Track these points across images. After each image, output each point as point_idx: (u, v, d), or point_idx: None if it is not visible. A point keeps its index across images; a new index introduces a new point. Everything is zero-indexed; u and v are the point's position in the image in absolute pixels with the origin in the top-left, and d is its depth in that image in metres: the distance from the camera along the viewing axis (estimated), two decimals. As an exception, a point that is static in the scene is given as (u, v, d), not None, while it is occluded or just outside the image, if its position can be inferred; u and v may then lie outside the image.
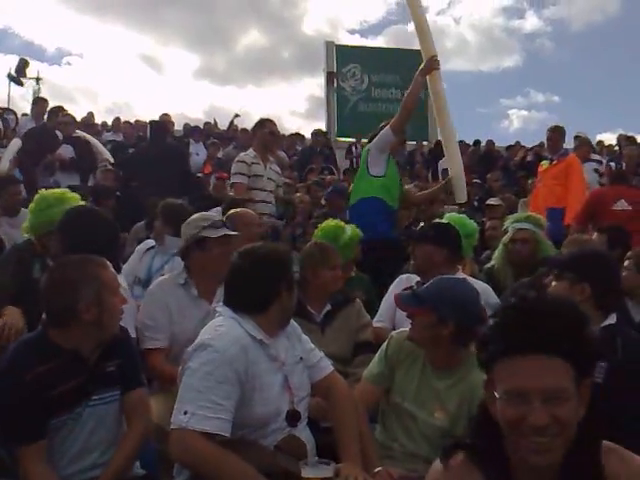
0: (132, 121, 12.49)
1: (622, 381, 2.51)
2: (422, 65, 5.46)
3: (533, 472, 1.44)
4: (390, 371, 2.72)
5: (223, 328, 2.38)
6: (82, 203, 3.78)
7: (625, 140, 10.85)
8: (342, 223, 4.39)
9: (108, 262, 2.48)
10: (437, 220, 4.38)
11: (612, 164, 8.56)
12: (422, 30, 5.62)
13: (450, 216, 4.55)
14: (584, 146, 8.42)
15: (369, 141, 5.51)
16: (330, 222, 4.36)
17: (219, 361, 2.26)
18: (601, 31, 46.25)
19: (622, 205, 5.79)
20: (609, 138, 18.73)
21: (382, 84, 17.30)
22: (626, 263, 3.91)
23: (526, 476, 1.46)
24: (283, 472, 2.24)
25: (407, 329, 2.69)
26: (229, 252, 2.94)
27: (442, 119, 5.72)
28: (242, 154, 6.39)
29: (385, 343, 2.80)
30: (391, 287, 3.81)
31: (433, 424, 2.58)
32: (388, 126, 5.32)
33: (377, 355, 2.81)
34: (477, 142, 14.17)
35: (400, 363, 2.69)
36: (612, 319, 2.69)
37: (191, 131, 12.66)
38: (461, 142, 13.49)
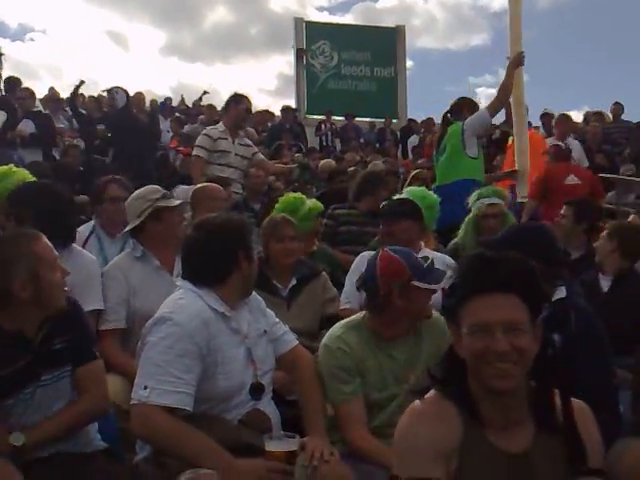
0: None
1: (576, 353, 2.53)
2: (511, 59, 5.70)
3: (497, 403, 1.65)
4: (361, 377, 2.54)
5: (183, 301, 2.33)
6: (31, 179, 3.71)
7: (593, 116, 10.90)
8: (302, 196, 4.35)
9: (43, 235, 2.34)
10: (397, 196, 4.27)
11: (576, 141, 8.63)
12: (516, 27, 5.87)
13: (410, 190, 4.49)
14: (563, 122, 8.37)
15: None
16: (290, 195, 4.32)
17: (179, 334, 2.21)
18: (567, 9, 46.55)
19: (573, 180, 6.22)
20: (575, 116, 18.89)
21: (352, 61, 17.20)
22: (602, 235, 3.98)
23: (490, 408, 1.66)
24: (247, 446, 2.21)
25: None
26: (183, 222, 2.90)
27: (519, 114, 5.87)
28: (209, 127, 6.28)
29: (329, 360, 2.54)
30: (353, 265, 3.75)
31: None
32: (485, 108, 5.53)
33: (332, 377, 2.51)
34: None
35: (362, 363, 2.53)
36: (562, 292, 2.70)
37: (161, 107, 12.46)
38: (429, 119, 13.49)
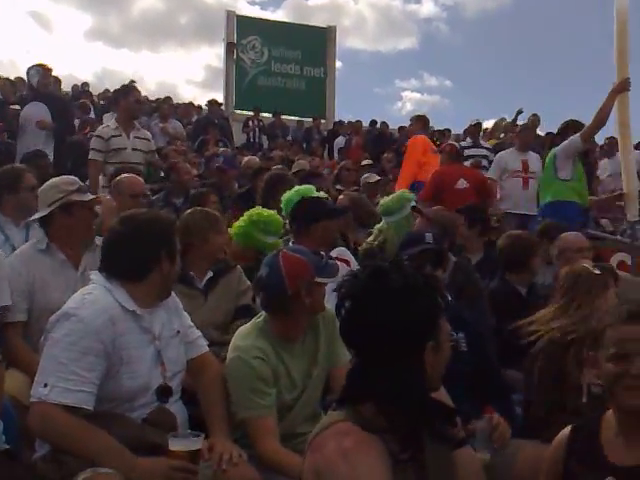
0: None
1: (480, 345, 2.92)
2: (616, 84, 5.88)
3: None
4: (275, 384, 2.50)
5: (91, 296, 2.27)
6: None
7: (509, 127, 11.31)
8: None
9: None
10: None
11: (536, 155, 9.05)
12: (622, 52, 5.98)
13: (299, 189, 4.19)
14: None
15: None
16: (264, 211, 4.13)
17: (84, 331, 2.16)
18: (493, 18, 47.97)
19: (462, 184, 6.40)
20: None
21: (283, 59, 17.15)
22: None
23: None
24: (151, 445, 2.18)
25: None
26: (93, 217, 2.92)
27: (625, 135, 6.02)
28: (100, 127, 6.18)
29: (245, 372, 2.46)
30: None
31: (318, 383, 2.63)
32: (578, 135, 5.83)
33: (249, 390, 2.44)
34: (373, 122, 14.40)
35: (275, 368, 2.51)
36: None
37: (80, 93, 12.07)
38: (357, 122, 13.68)
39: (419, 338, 1.61)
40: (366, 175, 7.63)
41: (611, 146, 10.57)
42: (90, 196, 3.22)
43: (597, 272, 2.93)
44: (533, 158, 7.31)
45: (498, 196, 7.09)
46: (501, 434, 2.44)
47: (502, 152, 7.56)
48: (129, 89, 6.03)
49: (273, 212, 4.06)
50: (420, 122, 8.45)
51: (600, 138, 11.32)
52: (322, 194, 3.77)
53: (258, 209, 4.15)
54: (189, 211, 3.68)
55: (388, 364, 1.59)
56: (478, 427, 2.40)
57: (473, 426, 2.39)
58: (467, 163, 9.09)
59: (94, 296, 2.27)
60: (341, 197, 5.52)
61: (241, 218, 4.11)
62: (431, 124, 14.55)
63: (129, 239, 2.38)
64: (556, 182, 5.93)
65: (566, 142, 5.99)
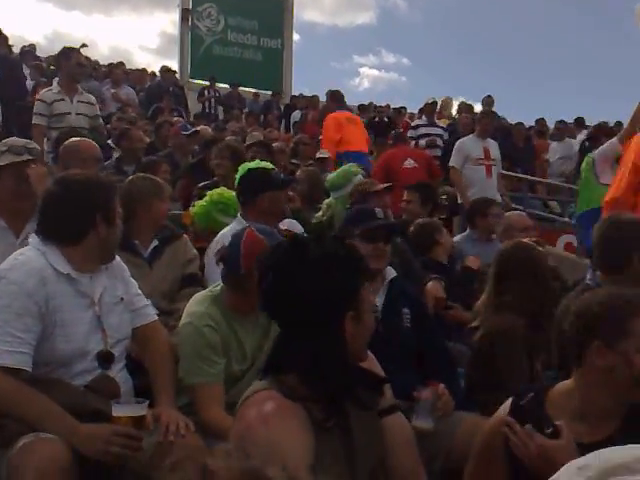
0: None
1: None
2: None
3: None
4: (225, 354, 2.50)
5: (22, 258, 2.23)
6: None
7: (464, 107, 11.41)
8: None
9: None
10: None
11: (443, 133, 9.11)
12: None
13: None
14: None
15: None
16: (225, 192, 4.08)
17: (16, 292, 2.13)
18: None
19: (410, 163, 6.95)
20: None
21: (239, 28, 16.84)
22: None
23: None
24: (93, 411, 2.15)
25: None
26: (22, 182, 2.85)
27: None
28: (42, 91, 6.01)
29: (195, 339, 2.45)
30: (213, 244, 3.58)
31: None
32: (616, 138, 5.52)
33: (198, 357, 2.43)
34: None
35: (227, 338, 2.51)
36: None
37: (26, 54, 11.63)
38: (314, 97, 13.57)
39: (338, 308, 1.62)
40: (322, 151, 7.64)
41: (561, 130, 10.83)
42: (13, 158, 2.99)
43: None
44: (493, 145, 7.16)
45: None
46: (445, 404, 2.48)
47: (463, 139, 7.30)
48: (70, 51, 5.84)
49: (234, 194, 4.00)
50: (334, 98, 8.81)
51: (551, 122, 11.57)
52: (268, 165, 3.71)
53: (221, 189, 4.11)
54: (131, 177, 3.62)
55: (308, 334, 1.62)
56: (423, 395, 2.44)
57: (418, 394, 2.44)
58: (422, 142, 9.20)
59: (25, 257, 2.23)
60: (298, 173, 5.52)
61: (204, 197, 4.06)
62: (388, 102, 14.69)
63: (62, 201, 2.33)
64: (598, 188, 5.50)
65: (604, 146, 5.71)
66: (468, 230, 5.11)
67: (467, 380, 2.91)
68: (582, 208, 5.57)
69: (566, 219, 8.22)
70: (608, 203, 4.32)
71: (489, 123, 7.44)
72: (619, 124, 11.39)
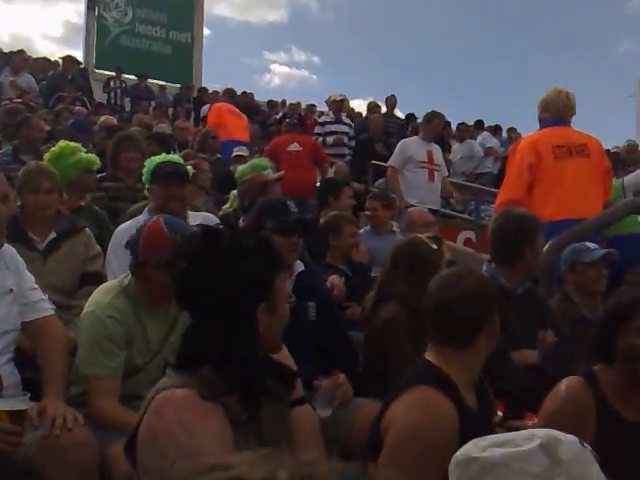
0: None
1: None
2: None
3: None
4: (127, 347, 2.42)
5: None
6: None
7: (374, 107, 11.62)
8: (77, 145, 4.13)
9: None
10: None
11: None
12: None
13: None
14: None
15: None
16: (63, 143, 4.08)
17: None
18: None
19: (295, 147, 7.22)
20: (360, 104, 20.03)
21: (147, 21, 16.48)
22: None
23: None
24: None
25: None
26: None
27: None
28: None
29: (97, 330, 2.37)
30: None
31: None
32: None
33: (96, 348, 2.35)
34: (243, 93, 14.18)
35: (131, 330, 2.43)
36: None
37: None
38: (229, 90, 13.40)
39: (250, 299, 1.62)
40: (235, 149, 7.66)
41: (462, 132, 11.22)
42: None
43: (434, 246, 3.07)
44: (437, 149, 6.92)
45: (402, 188, 6.56)
46: (344, 392, 2.55)
47: (407, 140, 7.03)
48: None
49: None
50: (227, 94, 9.99)
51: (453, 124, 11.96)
52: (176, 157, 3.66)
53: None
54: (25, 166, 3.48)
55: (220, 325, 1.60)
56: (323, 385, 2.49)
57: (318, 383, 2.48)
58: (329, 139, 9.28)
59: None
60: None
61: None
62: (298, 100, 14.73)
63: None
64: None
65: (634, 176, 5.81)
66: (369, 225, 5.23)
67: (362, 368, 2.98)
68: (614, 232, 5.30)
69: (466, 216, 8.51)
70: (503, 204, 4.38)
71: (437, 128, 7.18)
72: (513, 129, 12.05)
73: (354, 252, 4.31)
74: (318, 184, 6.59)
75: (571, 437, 1.14)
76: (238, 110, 9.55)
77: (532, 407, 2.25)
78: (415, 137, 7.01)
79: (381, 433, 1.94)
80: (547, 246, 3.46)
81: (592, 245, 3.62)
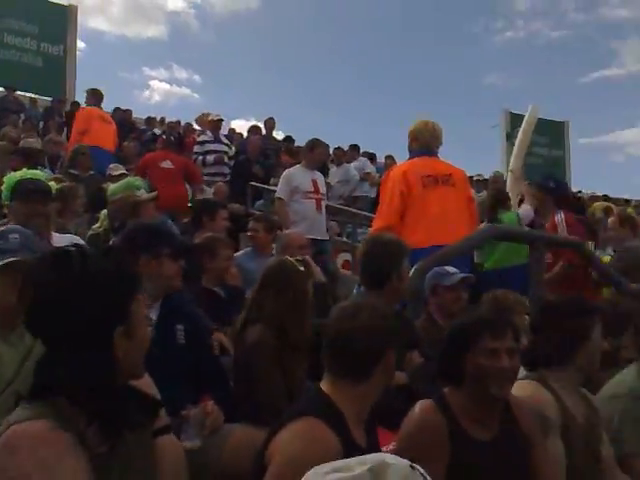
0: None
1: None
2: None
3: None
4: None
5: None
6: None
7: (253, 129, 11.67)
8: None
9: None
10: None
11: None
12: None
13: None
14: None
15: None
16: None
17: None
18: (242, 19, 49.34)
19: (167, 164, 7.52)
20: (241, 125, 20.12)
21: (17, 32, 15.65)
22: None
23: None
24: None
25: None
26: None
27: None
28: None
29: None
30: None
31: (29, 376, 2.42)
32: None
33: None
34: (116, 110, 13.81)
35: None
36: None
37: None
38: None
39: (105, 323, 1.56)
40: (111, 166, 7.49)
41: (338, 156, 11.52)
42: None
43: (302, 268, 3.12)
44: (320, 177, 6.82)
45: (291, 219, 6.39)
46: (214, 421, 2.52)
47: (290, 169, 6.84)
48: None
49: None
50: (94, 96, 9.33)
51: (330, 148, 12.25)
52: (39, 173, 3.51)
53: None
54: None
55: (75, 351, 1.53)
56: (192, 415, 2.45)
57: (186, 413, 2.44)
58: (210, 158, 9.22)
59: None
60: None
61: None
62: (178, 117, 14.54)
63: None
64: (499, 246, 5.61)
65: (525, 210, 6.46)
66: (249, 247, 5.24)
67: (234, 392, 2.98)
68: (498, 265, 5.63)
69: (344, 239, 8.72)
70: (377, 231, 4.57)
71: (322, 153, 7.01)
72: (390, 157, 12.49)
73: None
74: (192, 204, 6.62)
75: (403, 461, 1.20)
76: (109, 117, 9.51)
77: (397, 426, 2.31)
78: (298, 166, 6.86)
79: (265, 462, 1.93)
80: (413, 270, 3.62)
81: (452, 269, 3.82)
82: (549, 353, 2.46)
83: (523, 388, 2.26)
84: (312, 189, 6.51)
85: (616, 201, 13.15)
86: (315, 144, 6.78)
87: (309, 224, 6.34)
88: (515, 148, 7.98)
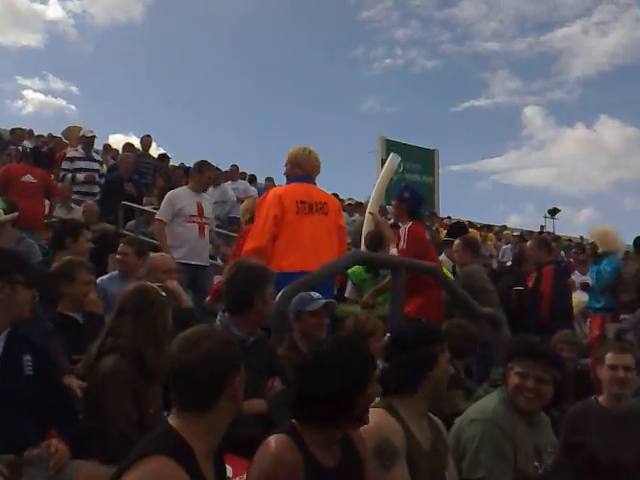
0: None
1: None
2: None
3: None
4: None
5: None
6: None
7: (126, 146, 11.38)
8: None
9: None
10: None
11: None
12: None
13: None
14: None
15: None
16: None
17: None
18: (124, 33, 48.27)
19: (29, 178, 7.64)
20: (119, 140, 19.57)
21: None
22: None
23: None
24: None
25: None
26: None
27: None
28: None
29: None
30: None
31: None
32: None
33: None
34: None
35: None
36: None
37: None
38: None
39: None
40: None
41: (216, 176, 11.42)
42: None
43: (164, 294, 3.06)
44: (206, 200, 6.53)
45: (170, 242, 6.07)
46: (58, 460, 2.40)
47: (175, 191, 6.48)
48: None
49: None
50: None
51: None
52: None
53: None
54: None
55: None
56: (34, 455, 2.34)
57: (29, 454, 2.32)
58: (80, 176, 8.85)
59: None
60: None
61: None
62: (50, 131, 13.98)
63: None
64: None
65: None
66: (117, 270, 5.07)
67: (84, 425, 2.84)
68: None
69: (218, 262, 8.62)
70: (248, 252, 4.59)
71: (210, 176, 6.70)
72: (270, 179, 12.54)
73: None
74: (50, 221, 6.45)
75: None
76: None
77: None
78: (184, 187, 6.57)
79: None
80: (278, 295, 3.64)
81: (316, 294, 3.87)
82: (397, 381, 2.53)
83: (371, 415, 2.31)
84: (196, 212, 6.22)
85: (479, 227, 13.96)
86: (204, 167, 6.49)
87: (189, 249, 6.08)
88: (373, 192, 7.83)
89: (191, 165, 12.51)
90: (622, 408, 3.46)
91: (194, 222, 6.18)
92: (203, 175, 6.42)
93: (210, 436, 1.97)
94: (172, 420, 1.98)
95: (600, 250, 6.31)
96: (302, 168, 4.90)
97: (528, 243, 7.76)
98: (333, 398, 2.10)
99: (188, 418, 1.95)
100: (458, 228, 6.55)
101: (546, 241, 7.53)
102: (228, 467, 2.26)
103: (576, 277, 8.66)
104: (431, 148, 17.14)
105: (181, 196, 6.26)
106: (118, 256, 5.07)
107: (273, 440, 2.13)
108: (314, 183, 4.97)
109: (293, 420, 2.20)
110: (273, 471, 2.05)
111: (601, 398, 3.55)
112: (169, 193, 6.47)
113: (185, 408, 1.96)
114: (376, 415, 2.36)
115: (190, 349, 1.97)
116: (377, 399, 2.51)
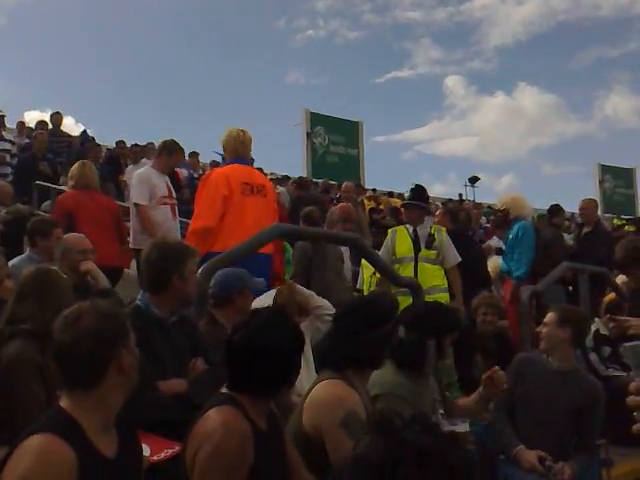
0: None
1: None
2: None
3: None
4: None
5: None
6: None
7: (39, 123, 10.87)
8: None
9: None
10: None
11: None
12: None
13: None
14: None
15: None
16: None
17: None
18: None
19: None
20: (35, 116, 18.81)
21: None
22: None
23: None
24: None
25: None
26: None
27: None
28: None
29: None
30: None
31: None
32: None
33: None
34: None
35: None
36: None
37: None
38: None
39: None
40: None
41: (136, 153, 11.14)
42: None
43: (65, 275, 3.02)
44: (168, 182, 6.01)
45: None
46: None
47: (143, 171, 5.98)
48: None
49: None
50: None
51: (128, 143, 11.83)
52: None
53: None
54: None
55: None
56: None
57: None
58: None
59: None
60: None
61: None
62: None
63: None
64: None
65: None
66: (28, 251, 4.87)
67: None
68: None
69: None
70: (196, 231, 4.77)
71: (178, 159, 6.25)
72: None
73: None
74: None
75: None
76: None
77: (180, 437, 2.26)
78: (149, 168, 6.03)
79: None
80: (199, 272, 3.60)
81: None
82: (358, 356, 2.62)
83: (334, 386, 2.38)
84: (167, 193, 5.83)
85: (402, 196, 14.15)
86: (175, 148, 6.01)
87: (165, 232, 5.51)
88: None
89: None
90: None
91: (166, 203, 5.80)
92: (171, 158, 5.97)
93: (101, 411, 1.97)
94: (62, 401, 1.98)
95: (511, 216, 6.53)
96: (240, 151, 5.09)
97: (436, 212, 7.98)
98: (269, 370, 2.20)
99: (75, 396, 1.95)
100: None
101: (450, 210, 7.80)
102: (146, 446, 2.24)
103: (494, 242, 8.95)
104: (356, 120, 17.24)
105: (151, 177, 5.78)
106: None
107: (218, 412, 2.14)
108: (250, 164, 5.13)
109: (228, 392, 2.23)
110: (225, 442, 2.07)
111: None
112: (137, 174, 5.99)
113: (72, 386, 1.96)
114: (337, 387, 2.43)
115: (68, 327, 1.96)
116: (329, 371, 2.57)
